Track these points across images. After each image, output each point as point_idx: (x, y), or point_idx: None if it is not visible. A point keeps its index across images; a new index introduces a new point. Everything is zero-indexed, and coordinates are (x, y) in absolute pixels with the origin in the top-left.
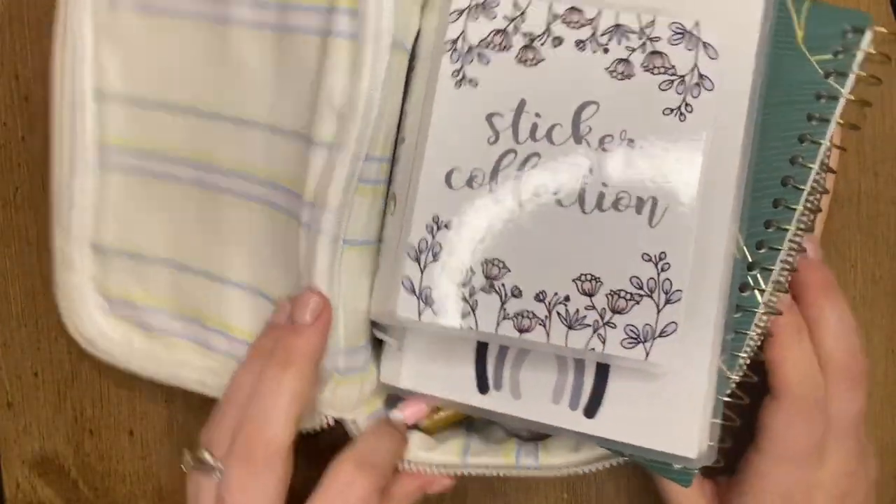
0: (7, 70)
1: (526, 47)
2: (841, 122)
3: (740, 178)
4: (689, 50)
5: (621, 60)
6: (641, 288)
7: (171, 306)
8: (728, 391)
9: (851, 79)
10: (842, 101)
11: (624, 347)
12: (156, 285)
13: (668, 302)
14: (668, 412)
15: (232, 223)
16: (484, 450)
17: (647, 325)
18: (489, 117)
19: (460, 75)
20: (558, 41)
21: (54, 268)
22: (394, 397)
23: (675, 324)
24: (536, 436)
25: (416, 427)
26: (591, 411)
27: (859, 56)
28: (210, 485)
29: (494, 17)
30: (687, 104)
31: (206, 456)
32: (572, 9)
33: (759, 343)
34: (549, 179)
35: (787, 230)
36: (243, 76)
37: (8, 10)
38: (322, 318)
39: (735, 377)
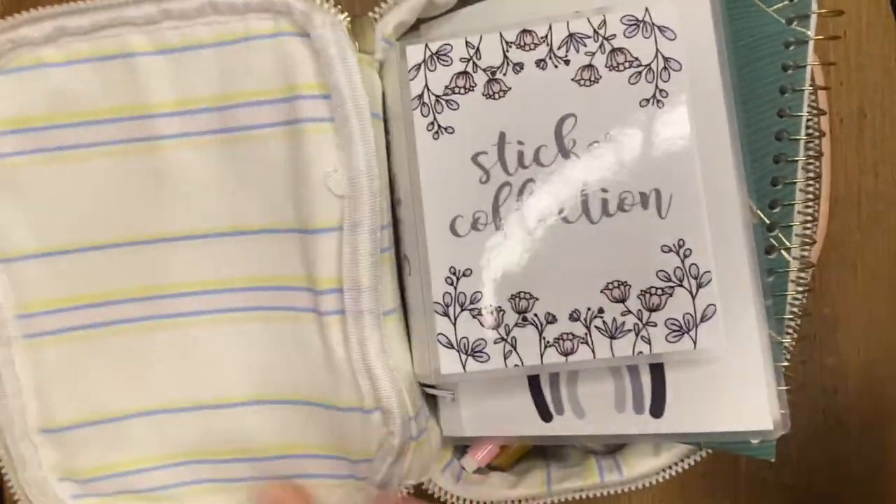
0: None
1: (490, 82)
2: (816, 62)
3: (734, 144)
4: (647, 38)
5: (585, 67)
6: (670, 280)
7: (166, 457)
8: (785, 356)
9: (814, 18)
10: (811, 43)
11: (670, 342)
12: (137, 443)
13: (700, 286)
14: (733, 392)
15: (213, 344)
16: (566, 475)
17: (686, 314)
18: (475, 158)
19: (435, 127)
20: (519, 67)
21: (4, 470)
22: (461, 445)
23: (714, 305)
24: (612, 447)
25: (492, 468)
26: (657, 411)
27: None
28: None
29: (451, 63)
30: (660, 90)
31: None
32: (523, 31)
33: (802, 300)
34: (550, 201)
35: (794, 183)
36: (186, 190)
37: (8, 10)
38: None
39: (787, 341)
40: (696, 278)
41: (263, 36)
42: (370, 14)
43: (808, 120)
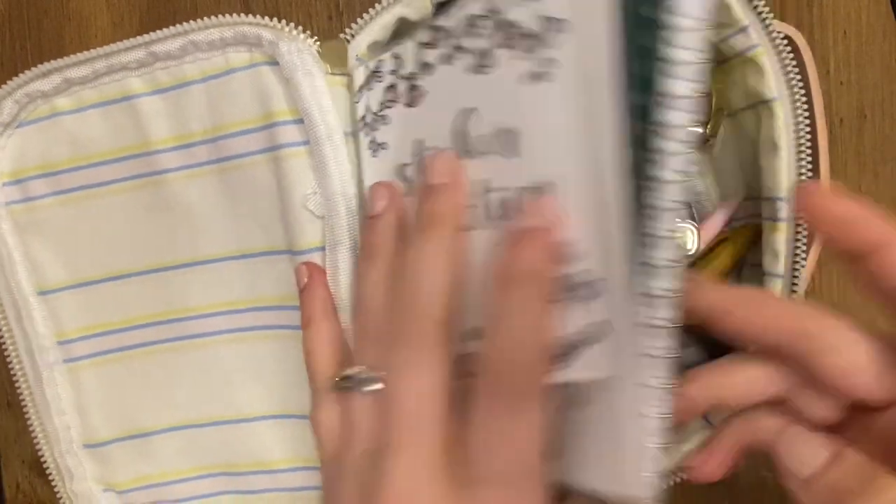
0: (7, 70)
1: (410, 89)
2: None
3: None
4: (533, 1)
5: (482, 52)
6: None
7: (193, 470)
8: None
9: None
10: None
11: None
12: (169, 456)
13: (588, 299)
14: (609, 442)
15: (229, 363)
16: None
17: (573, 332)
18: (400, 170)
19: (374, 144)
20: (430, 67)
21: (54, 482)
22: None
23: (605, 323)
24: None
25: None
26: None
27: None
28: (364, 406)
29: (383, 78)
30: (545, 60)
31: (353, 370)
32: (432, 28)
33: None
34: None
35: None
36: (193, 219)
37: (8, 10)
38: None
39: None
40: (585, 289)
41: (242, 68)
42: (342, 35)
43: (801, 126)
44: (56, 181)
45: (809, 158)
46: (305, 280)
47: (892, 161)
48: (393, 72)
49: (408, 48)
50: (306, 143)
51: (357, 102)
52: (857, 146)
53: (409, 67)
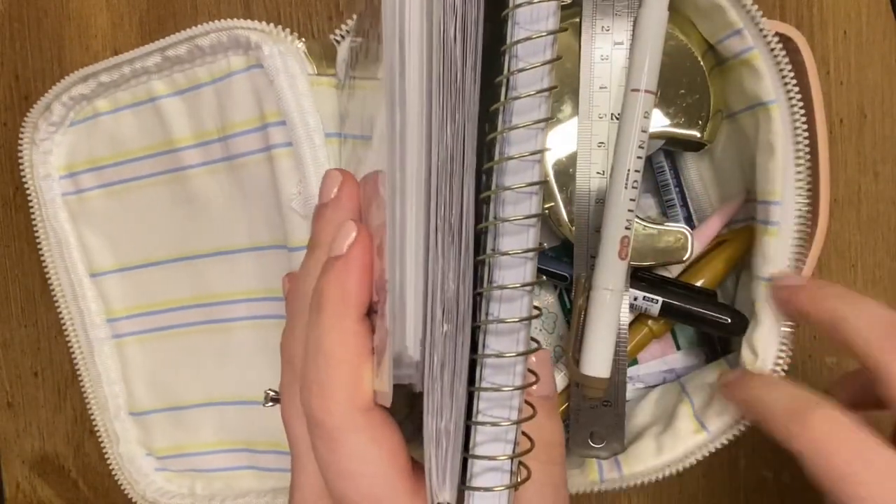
0: (7, 70)
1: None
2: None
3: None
4: None
5: (372, 38)
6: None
7: (220, 444)
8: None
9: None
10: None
11: None
12: (201, 429)
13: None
14: None
15: (248, 347)
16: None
17: None
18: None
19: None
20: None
21: (103, 444)
22: None
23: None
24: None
25: None
26: None
27: None
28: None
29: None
30: (380, 35)
31: (272, 393)
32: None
33: None
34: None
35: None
36: (211, 212)
37: (8, 10)
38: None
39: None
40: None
41: (240, 70)
42: (331, 36)
43: (799, 130)
44: (101, 175)
45: (808, 160)
46: (287, 286)
47: (892, 161)
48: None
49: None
50: (290, 144)
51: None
52: (857, 146)
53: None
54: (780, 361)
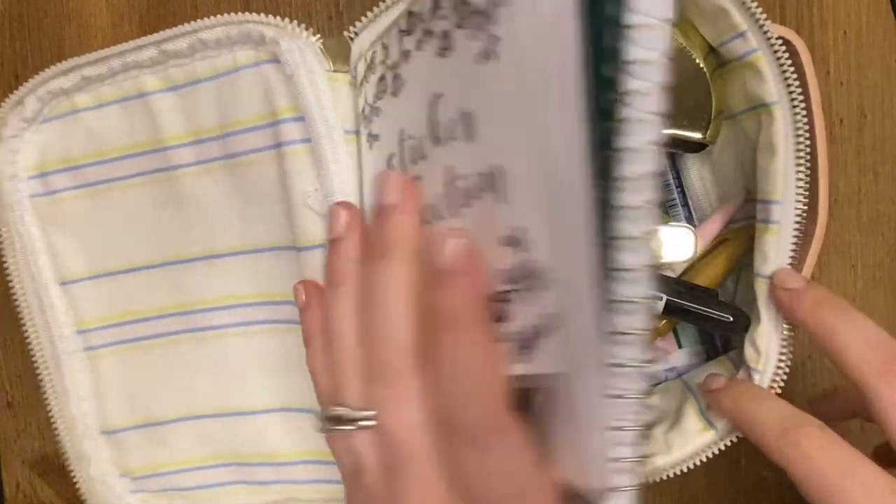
0: (7, 70)
1: (394, 79)
2: None
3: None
4: None
5: (444, 34)
6: (510, 281)
7: (203, 459)
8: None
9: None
10: None
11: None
12: (180, 445)
13: (537, 289)
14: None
15: (238, 356)
16: None
17: (526, 325)
18: (389, 161)
19: (370, 137)
20: (406, 55)
21: (71, 468)
22: None
23: (556, 315)
24: None
25: None
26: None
27: None
28: (364, 439)
29: (376, 70)
30: (493, 37)
31: (341, 410)
32: (409, 14)
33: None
34: (431, 198)
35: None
36: (204, 213)
37: (8, 10)
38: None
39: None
40: (536, 279)
41: (248, 66)
42: (345, 33)
43: (800, 130)
44: (77, 175)
45: (808, 161)
46: (303, 299)
47: (892, 161)
48: (382, 62)
49: (391, 37)
50: (307, 140)
51: (359, 97)
52: (857, 146)
53: (393, 57)
54: (783, 359)
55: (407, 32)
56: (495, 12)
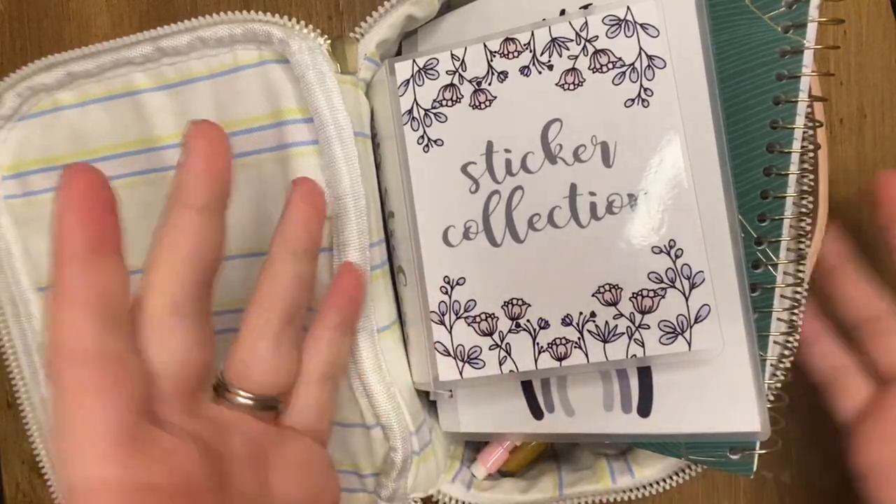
0: (7, 70)
1: (476, 92)
2: (813, 72)
3: (720, 150)
4: (629, 37)
5: (568, 71)
6: (662, 281)
7: None
8: (768, 374)
9: (812, 27)
10: (808, 53)
11: (664, 344)
12: None
13: (693, 287)
14: (721, 393)
15: None
16: (577, 479)
17: (679, 315)
18: (464, 168)
19: (425, 140)
20: (503, 76)
21: (47, 478)
22: (471, 453)
23: (708, 306)
24: (623, 449)
25: (502, 473)
26: (644, 410)
27: (814, 2)
28: None
29: (437, 76)
30: (645, 89)
31: None
32: (507, 40)
33: (796, 317)
34: (539, 207)
35: (784, 197)
36: None
37: (8, 10)
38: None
39: (770, 358)
40: (688, 279)
41: (250, 65)
42: (351, 34)
43: (804, 132)
44: (57, 176)
45: (810, 161)
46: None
47: (892, 161)
48: (452, 72)
49: (472, 51)
50: (315, 142)
51: (402, 96)
52: (857, 146)
53: (475, 72)
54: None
55: (503, 55)
56: (649, 71)
